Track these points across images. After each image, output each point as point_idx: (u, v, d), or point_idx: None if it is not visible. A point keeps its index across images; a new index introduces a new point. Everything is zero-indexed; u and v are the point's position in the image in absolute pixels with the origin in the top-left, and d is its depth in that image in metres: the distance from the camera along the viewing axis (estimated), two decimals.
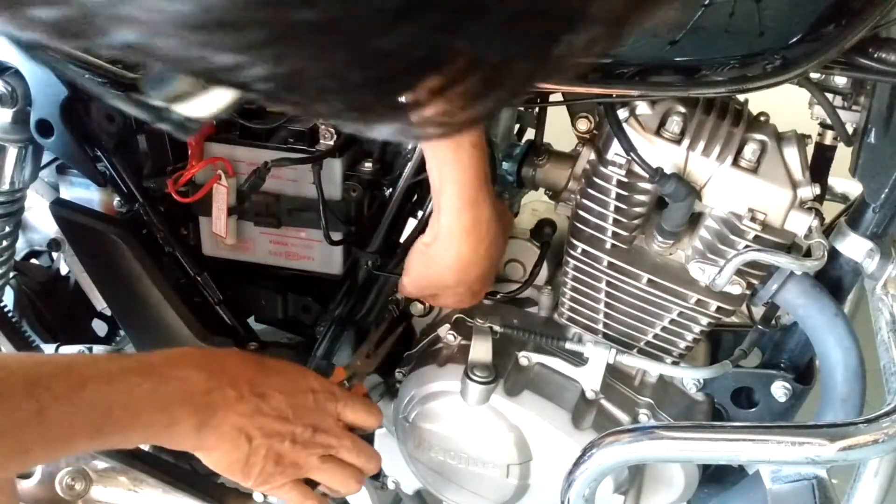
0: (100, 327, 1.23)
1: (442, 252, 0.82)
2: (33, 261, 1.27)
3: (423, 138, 0.33)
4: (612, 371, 0.95)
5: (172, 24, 0.24)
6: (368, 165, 0.95)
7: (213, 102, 0.31)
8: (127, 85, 1.02)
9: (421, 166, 0.91)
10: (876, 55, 0.69)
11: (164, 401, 0.73)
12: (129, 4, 0.24)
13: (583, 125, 0.86)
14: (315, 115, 0.28)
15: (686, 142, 0.77)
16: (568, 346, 0.93)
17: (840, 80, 0.78)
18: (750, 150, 0.76)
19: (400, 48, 0.26)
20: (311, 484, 0.86)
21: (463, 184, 0.76)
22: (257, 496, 1.17)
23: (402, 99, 0.30)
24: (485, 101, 0.31)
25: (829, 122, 0.80)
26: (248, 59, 0.26)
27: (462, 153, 0.75)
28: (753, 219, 0.77)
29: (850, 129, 0.80)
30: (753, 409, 0.96)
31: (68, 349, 1.16)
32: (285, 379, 0.83)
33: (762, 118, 0.80)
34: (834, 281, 0.85)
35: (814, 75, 0.77)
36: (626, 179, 0.80)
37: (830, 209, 0.88)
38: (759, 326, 0.91)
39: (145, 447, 1.25)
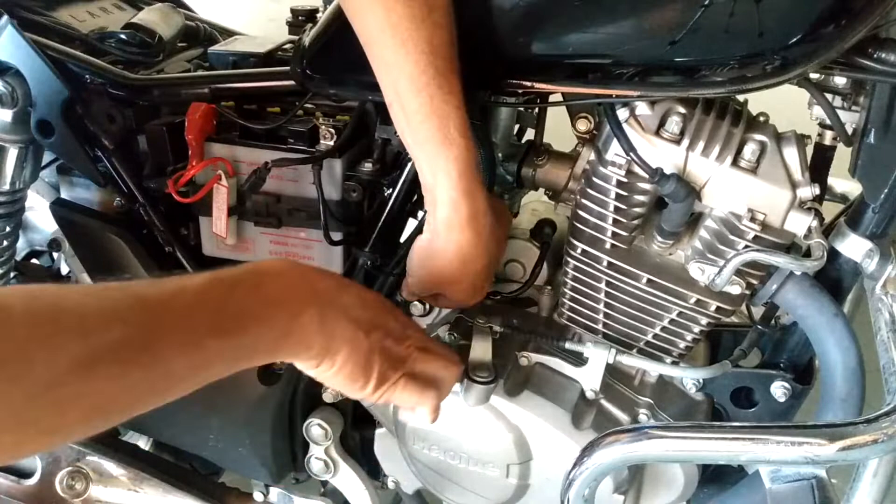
0: None
1: (442, 247, 0.81)
2: (34, 261, 1.27)
3: None
4: (612, 371, 0.95)
5: None
6: (368, 165, 0.95)
7: None
8: (127, 85, 1.02)
9: None
10: (876, 55, 0.69)
11: (272, 296, 0.66)
12: None
13: (583, 125, 0.86)
14: None
15: (686, 142, 0.77)
16: (568, 346, 0.93)
17: (840, 81, 0.78)
18: (749, 151, 0.76)
19: None
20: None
21: (456, 174, 0.76)
22: (257, 496, 1.18)
23: None
24: None
25: (828, 122, 0.80)
26: None
27: (451, 145, 0.74)
28: (753, 219, 0.77)
29: (849, 130, 0.80)
30: (753, 409, 0.96)
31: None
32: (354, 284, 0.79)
33: (762, 118, 0.80)
34: (833, 281, 0.85)
35: (813, 75, 0.77)
36: (625, 179, 0.80)
37: (830, 209, 0.88)
38: (759, 326, 0.91)
39: (145, 447, 1.25)
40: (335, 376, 0.73)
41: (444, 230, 0.80)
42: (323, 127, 0.94)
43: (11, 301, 0.52)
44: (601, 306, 0.89)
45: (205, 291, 0.62)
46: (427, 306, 1.00)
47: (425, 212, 0.82)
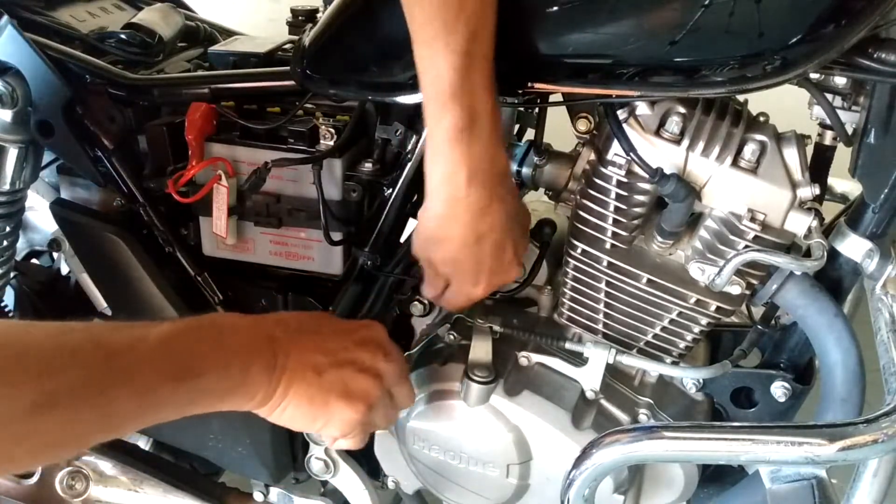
0: None
1: (426, 209, 0.80)
2: (34, 261, 1.27)
3: None
4: (612, 371, 0.95)
5: None
6: (368, 165, 0.95)
7: None
8: (127, 85, 1.02)
9: (420, 167, 0.91)
10: (876, 55, 0.69)
11: (228, 348, 0.69)
12: None
13: (583, 125, 0.86)
14: None
15: (686, 142, 0.77)
16: (568, 346, 0.93)
17: (840, 81, 0.78)
18: (749, 151, 0.76)
19: None
20: None
21: (435, 136, 0.75)
22: (257, 496, 1.18)
23: None
24: None
25: (828, 122, 0.80)
26: None
27: (437, 105, 0.73)
28: (753, 219, 0.77)
29: (849, 130, 0.80)
30: (753, 409, 0.96)
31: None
32: (328, 318, 0.82)
33: (762, 118, 0.80)
34: (833, 281, 0.85)
35: (813, 75, 0.77)
36: (625, 180, 0.80)
37: (830, 209, 0.88)
38: (759, 326, 0.91)
39: (145, 447, 1.25)
40: (290, 420, 0.76)
41: (427, 192, 0.79)
42: (323, 127, 0.94)
43: None
44: (601, 306, 0.89)
45: (166, 339, 0.65)
46: (427, 306, 1.00)
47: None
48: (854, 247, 0.81)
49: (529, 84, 0.78)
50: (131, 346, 0.63)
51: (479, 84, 0.73)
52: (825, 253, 0.77)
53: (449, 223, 0.80)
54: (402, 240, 0.98)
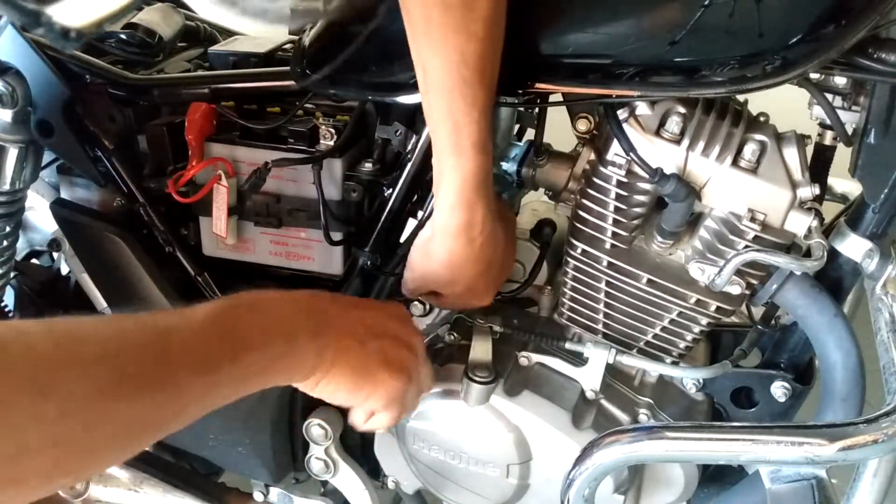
0: None
1: (436, 248, 0.82)
2: (34, 261, 1.27)
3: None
4: (612, 371, 0.95)
5: None
6: (368, 165, 0.95)
7: (91, 9, 0.30)
8: (127, 85, 1.02)
9: (420, 167, 0.91)
10: (876, 55, 0.69)
11: (273, 320, 0.69)
12: None
13: (583, 125, 0.86)
14: None
15: (686, 142, 0.77)
16: (568, 346, 0.93)
17: (840, 81, 0.78)
18: (749, 151, 0.76)
19: None
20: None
21: (459, 184, 0.77)
22: (257, 496, 1.18)
23: None
24: None
25: (828, 122, 0.80)
26: None
27: (460, 155, 0.75)
28: (753, 219, 0.77)
29: (849, 130, 0.80)
30: (753, 409, 0.96)
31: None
32: (353, 298, 0.83)
33: (762, 118, 0.80)
34: (834, 281, 0.85)
35: (813, 75, 0.77)
36: (625, 180, 0.80)
37: (830, 209, 0.88)
38: (759, 326, 0.92)
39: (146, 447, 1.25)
40: (335, 391, 0.76)
41: (440, 233, 0.81)
42: (323, 127, 0.94)
43: (32, 328, 0.54)
44: (601, 306, 0.89)
45: (209, 318, 0.65)
46: (427, 306, 1.00)
47: (428, 212, 0.83)
48: (854, 247, 0.81)
49: (529, 84, 0.78)
50: (180, 327, 0.62)
51: (489, 130, 0.75)
52: (825, 253, 0.77)
53: (464, 266, 0.83)
54: (403, 240, 0.98)
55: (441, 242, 0.81)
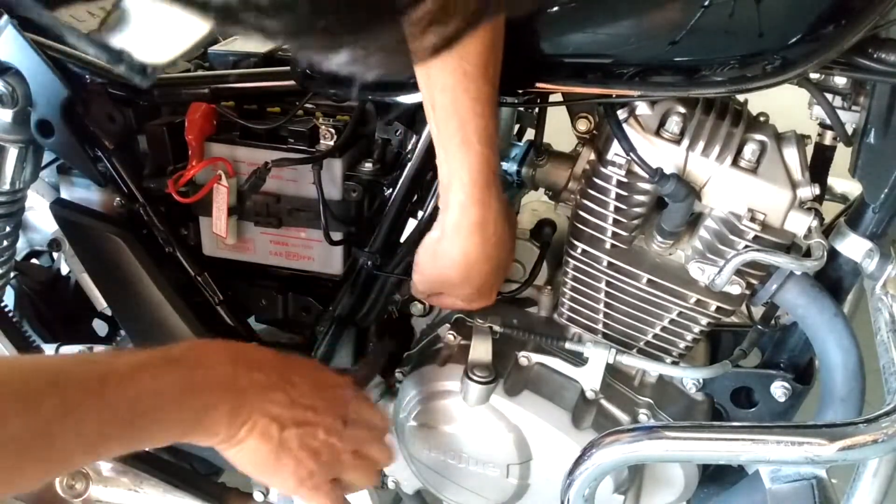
0: (100, 327, 1.24)
1: (448, 248, 0.82)
2: (34, 261, 1.27)
3: (381, 68, 0.33)
4: (612, 371, 0.95)
5: None
6: (368, 165, 0.95)
7: (169, 46, 0.31)
8: (127, 85, 1.02)
9: (420, 167, 0.91)
10: (875, 55, 0.69)
11: (193, 388, 0.70)
12: None
13: (583, 125, 0.86)
14: (274, 36, 0.27)
15: (686, 142, 0.77)
16: (568, 346, 0.93)
17: (840, 80, 0.78)
18: (749, 151, 0.76)
19: None
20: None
21: (469, 182, 0.76)
22: (257, 496, 1.18)
23: (359, 21, 0.29)
24: (441, 27, 0.31)
25: (828, 122, 0.80)
26: None
27: (468, 151, 0.75)
28: (753, 219, 0.77)
29: (849, 130, 0.80)
30: (753, 409, 0.96)
31: (69, 349, 1.16)
32: (308, 371, 0.82)
33: (762, 118, 0.80)
34: (833, 281, 0.85)
35: (813, 75, 0.77)
36: (625, 179, 0.80)
37: (830, 209, 0.88)
38: (759, 326, 0.91)
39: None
40: (242, 464, 0.77)
41: (451, 232, 0.80)
42: (323, 127, 0.94)
43: None
44: (601, 306, 0.89)
45: (131, 375, 0.66)
46: (427, 306, 1.00)
47: (428, 212, 0.83)
48: (854, 247, 0.81)
49: (529, 84, 0.78)
50: (89, 389, 0.63)
51: (495, 124, 0.75)
52: (825, 253, 0.77)
53: (478, 265, 0.82)
54: (403, 240, 0.98)
55: (454, 242, 0.81)
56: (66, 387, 0.61)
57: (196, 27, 0.29)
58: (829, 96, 0.78)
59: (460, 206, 0.78)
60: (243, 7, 0.28)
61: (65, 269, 1.24)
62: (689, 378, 0.94)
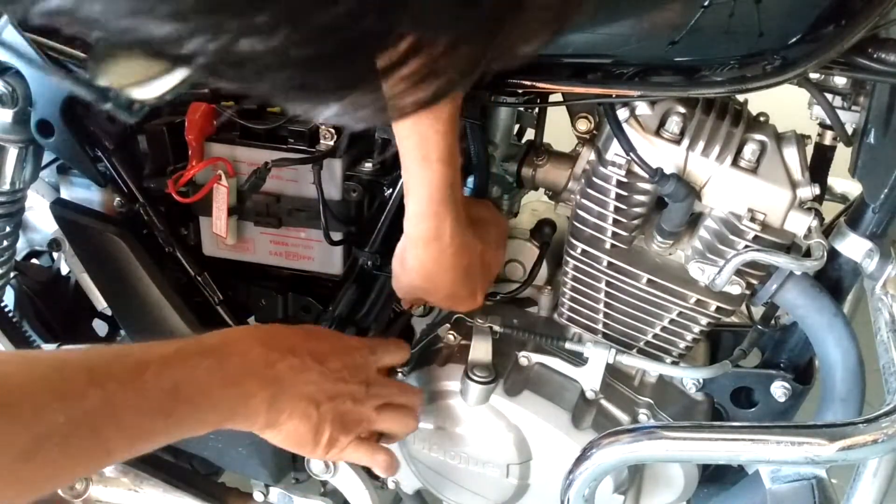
0: (100, 327, 1.24)
1: (409, 258, 0.84)
2: (34, 261, 1.27)
3: (369, 121, 0.33)
4: (612, 371, 0.95)
5: None
6: (368, 165, 0.95)
7: (157, 84, 0.31)
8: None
9: None
10: (876, 55, 0.69)
11: (230, 377, 0.71)
12: None
13: (583, 125, 0.86)
14: (260, 93, 0.28)
15: (686, 142, 0.77)
16: (568, 346, 0.93)
17: (840, 80, 0.78)
18: (749, 151, 0.76)
19: (342, 25, 0.26)
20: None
21: (422, 196, 0.77)
22: (257, 496, 1.18)
23: (346, 79, 0.29)
24: (431, 84, 0.31)
25: (828, 122, 0.80)
26: (184, 29, 0.25)
27: (427, 167, 0.75)
28: (753, 219, 0.77)
29: (849, 130, 0.80)
30: (753, 409, 0.96)
31: (69, 349, 1.16)
32: (332, 341, 0.85)
33: (762, 118, 0.80)
34: (833, 281, 0.85)
35: (813, 75, 0.77)
36: (625, 179, 0.80)
37: (830, 209, 0.88)
38: (759, 326, 0.91)
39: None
40: (281, 443, 0.79)
41: (410, 244, 0.82)
42: (323, 127, 0.94)
43: None
44: (601, 306, 0.89)
45: (166, 365, 0.66)
46: (427, 307, 1.00)
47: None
48: (854, 247, 0.81)
49: (529, 84, 0.78)
50: (126, 381, 0.63)
51: (454, 141, 0.76)
52: (825, 253, 0.77)
53: (439, 274, 0.84)
54: None
55: (413, 253, 0.82)
56: (105, 379, 0.62)
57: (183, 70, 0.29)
58: (829, 96, 0.78)
59: (415, 217, 0.79)
60: (225, 66, 0.28)
61: (65, 269, 1.24)
62: (689, 378, 0.94)
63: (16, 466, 0.55)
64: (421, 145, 0.74)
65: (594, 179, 0.82)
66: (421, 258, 0.82)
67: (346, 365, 0.83)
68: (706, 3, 0.67)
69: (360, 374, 0.84)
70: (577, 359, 0.94)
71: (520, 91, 0.80)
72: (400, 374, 1.00)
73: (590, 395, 0.94)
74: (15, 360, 0.62)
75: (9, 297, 1.19)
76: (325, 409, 0.79)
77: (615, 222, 0.82)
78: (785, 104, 0.93)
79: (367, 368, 0.86)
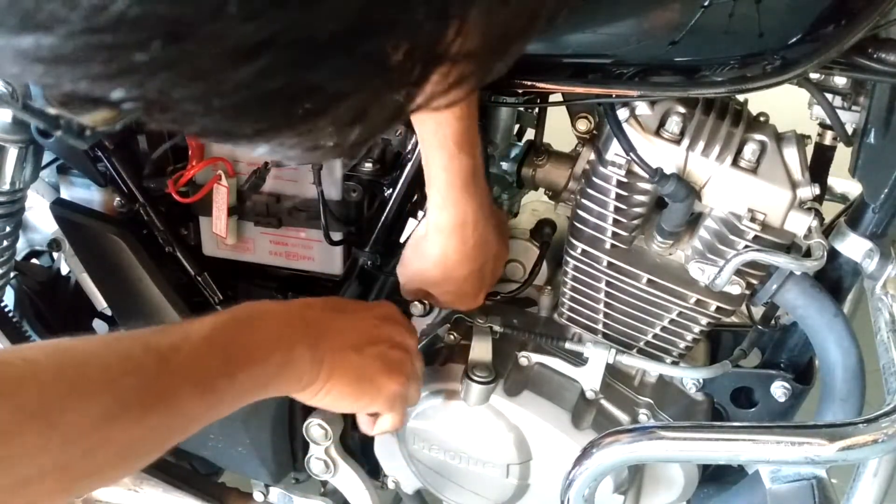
0: (100, 327, 1.24)
1: (429, 247, 0.83)
2: (34, 261, 1.27)
3: (300, 160, 0.34)
4: (612, 371, 0.95)
5: (14, 57, 0.25)
6: (368, 165, 0.95)
7: (100, 115, 0.32)
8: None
9: (420, 167, 0.91)
10: (876, 55, 0.69)
11: (270, 334, 0.71)
12: None
13: (583, 125, 0.86)
14: (192, 133, 0.30)
15: (686, 142, 0.77)
16: (568, 346, 0.93)
17: (840, 80, 0.78)
18: (749, 151, 0.76)
19: (256, 80, 0.27)
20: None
21: (444, 183, 0.77)
22: (257, 496, 1.18)
23: (266, 125, 0.31)
24: (352, 131, 0.32)
25: (828, 122, 0.80)
26: (102, 88, 0.27)
27: (446, 154, 0.75)
28: (753, 219, 0.77)
29: (849, 129, 0.80)
30: (753, 409, 0.96)
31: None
32: (340, 301, 0.86)
33: (762, 118, 0.80)
34: (833, 281, 0.85)
35: (813, 75, 0.76)
36: (625, 179, 0.80)
37: (830, 209, 0.88)
38: (759, 326, 0.91)
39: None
40: (335, 400, 0.77)
41: (433, 231, 0.82)
42: None
43: (37, 355, 0.55)
44: (601, 306, 0.89)
45: (209, 336, 0.66)
46: (427, 306, 1.00)
47: (427, 210, 0.83)
48: (854, 247, 0.81)
49: (529, 84, 0.78)
50: (178, 347, 0.63)
51: (473, 125, 0.76)
52: (825, 253, 0.76)
53: (456, 266, 0.83)
54: (402, 240, 0.98)
55: (434, 241, 0.82)
56: (168, 358, 0.62)
57: None
58: (829, 96, 0.78)
59: (437, 207, 0.79)
60: (155, 111, 0.29)
61: (65, 269, 1.24)
62: (689, 378, 0.94)
63: (97, 431, 0.55)
64: (438, 130, 0.74)
65: (594, 179, 0.82)
66: (444, 247, 0.82)
67: (374, 315, 0.83)
68: (706, 3, 0.67)
69: (389, 325, 0.84)
70: (577, 359, 0.94)
71: (520, 91, 0.80)
72: None
73: (590, 395, 0.94)
74: (75, 339, 0.62)
75: (9, 297, 1.19)
76: (368, 352, 0.78)
77: (615, 222, 0.82)
78: (785, 104, 0.93)
79: (393, 316, 0.86)
